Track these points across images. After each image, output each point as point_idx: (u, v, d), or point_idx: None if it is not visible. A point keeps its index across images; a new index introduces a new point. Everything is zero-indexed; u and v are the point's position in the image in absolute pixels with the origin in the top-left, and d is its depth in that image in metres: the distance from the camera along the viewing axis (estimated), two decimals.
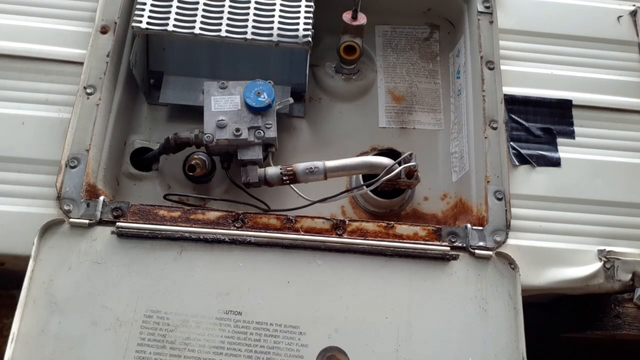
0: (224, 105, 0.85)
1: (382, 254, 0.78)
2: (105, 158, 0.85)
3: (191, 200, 0.92)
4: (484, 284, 0.77)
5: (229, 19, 0.88)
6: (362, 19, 0.94)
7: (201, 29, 0.87)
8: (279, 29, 0.88)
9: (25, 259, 0.74)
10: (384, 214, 0.94)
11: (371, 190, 0.87)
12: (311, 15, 0.90)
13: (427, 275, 0.77)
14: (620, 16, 1.02)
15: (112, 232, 0.76)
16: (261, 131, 0.84)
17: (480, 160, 0.87)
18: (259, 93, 0.84)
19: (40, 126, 0.83)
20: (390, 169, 0.82)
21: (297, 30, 0.88)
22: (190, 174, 0.89)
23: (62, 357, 0.70)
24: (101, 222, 0.77)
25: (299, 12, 0.90)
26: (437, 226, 0.81)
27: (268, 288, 0.75)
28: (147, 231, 0.76)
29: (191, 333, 0.72)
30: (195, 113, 0.91)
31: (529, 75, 0.96)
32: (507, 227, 0.82)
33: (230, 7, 0.89)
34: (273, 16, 0.89)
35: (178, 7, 0.88)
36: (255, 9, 0.90)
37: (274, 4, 0.90)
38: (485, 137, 0.88)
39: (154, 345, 0.71)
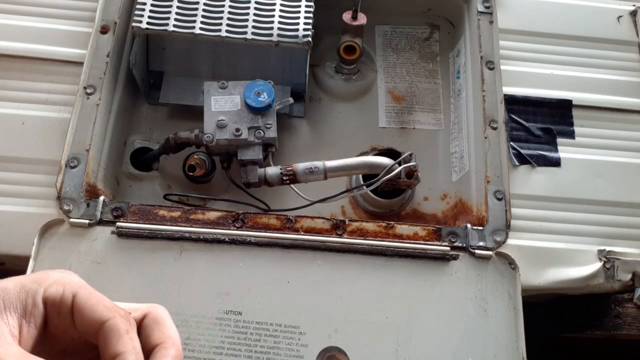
0: (224, 105, 0.85)
1: (382, 254, 0.78)
2: (105, 158, 0.85)
3: (191, 200, 0.92)
4: (484, 284, 0.77)
5: (229, 19, 0.88)
6: (362, 19, 0.94)
7: (201, 29, 0.87)
8: (279, 29, 0.88)
9: (25, 259, 0.74)
10: (384, 214, 0.94)
11: (371, 190, 0.87)
12: (311, 15, 0.90)
13: (427, 275, 0.77)
14: (620, 16, 1.02)
15: (112, 232, 0.76)
16: (261, 131, 0.84)
17: (480, 160, 0.87)
18: (259, 93, 0.84)
19: (40, 126, 0.83)
20: (390, 169, 0.82)
21: (297, 30, 0.88)
22: (190, 174, 0.89)
23: None
24: (101, 222, 0.77)
25: (299, 12, 0.90)
26: (437, 226, 0.81)
27: (268, 288, 0.75)
28: (147, 231, 0.76)
29: (191, 333, 0.72)
30: (195, 113, 0.91)
31: (529, 75, 0.96)
32: (507, 227, 0.82)
33: (230, 7, 0.89)
34: (273, 16, 0.89)
35: (178, 7, 0.88)
36: (255, 9, 0.90)
37: (274, 4, 0.90)
38: (485, 137, 0.88)
39: None
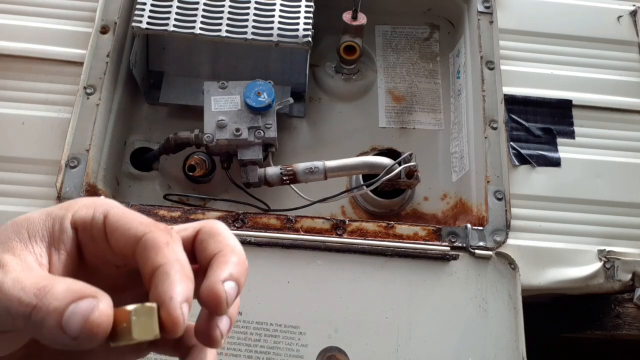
0: (224, 105, 0.85)
1: (382, 254, 0.78)
2: (105, 158, 0.85)
3: (191, 200, 0.92)
4: (484, 284, 0.77)
5: (229, 19, 0.88)
6: (362, 19, 0.94)
7: (201, 29, 0.87)
8: (279, 29, 0.88)
9: None
10: (384, 214, 0.94)
11: (371, 190, 0.87)
12: (311, 15, 0.90)
13: (427, 275, 0.77)
14: (620, 16, 1.02)
15: None
16: (261, 131, 0.84)
17: (480, 160, 0.87)
18: (259, 93, 0.84)
19: (40, 126, 0.83)
20: (390, 169, 0.82)
21: (297, 30, 0.88)
22: (190, 174, 0.89)
23: None
24: None
25: (299, 12, 0.90)
26: (437, 226, 0.81)
27: (268, 288, 0.75)
28: None
29: None
30: (195, 113, 0.91)
31: (529, 75, 0.96)
32: (507, 227, 0.82)
33: (230, 7, 0.89)
34: (273, 16, 0.89)
35: (178, 7, 0.88)
36: (255, 9, 0.90)
37: (274, 4, 0.90)
38: (485, 137, 0.88)
39: None
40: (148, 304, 0.25)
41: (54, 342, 0.25)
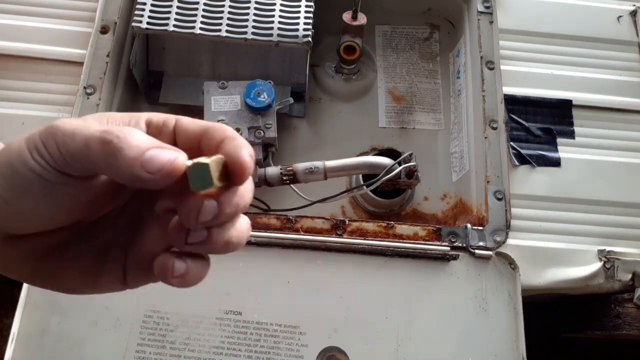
0: (224, 105, 0.85)
1: (382, 254, 0.78)
2: None
3: None
4: (484, 284, 0.77)
5: (229, 19, 0.88)
6: (362, 19, 0.94)
7: (201, 29, 0.87)
8: (279, 29, 0.88)
9: None
10: (384, 214, 0.94)
11: (371, 190, 0.87)
12: (311, 15, 0.90)
13: (427, 275, 0.77)
14: (620, 16, 1.02)
15: None
16: (261, 131, 0.84)
17: (480, 160, 0.87)
18: (259, 93, 0.84)
19: (40, 126, 0.83)
20: (390, 169, 0.82)
21: (297, 30, 0.88)
22: None
23: (62, 357, 0.70)
24: None
25: (299, 12, 0.90)
26: (437, 226, 0.81)
27: (268, 288, 0.75)
28: None
29: (191, 333, 0.72)
30: (195, 113, 0.90)
31: (529, 75, 0.96)
32: (507, 227, 0.82)
33: (230, 7, 0.89)
34: (273, 16, 0.89)
35: (178, 7, 0.88)
36: (255, 9, 0.90)
37: (274, 4, 0.90)
38: (485, 137, 0.88)
39: (154, 345, 0.72)
40: (219, 155, 0.30)
41: (126, 173, 0.28)
